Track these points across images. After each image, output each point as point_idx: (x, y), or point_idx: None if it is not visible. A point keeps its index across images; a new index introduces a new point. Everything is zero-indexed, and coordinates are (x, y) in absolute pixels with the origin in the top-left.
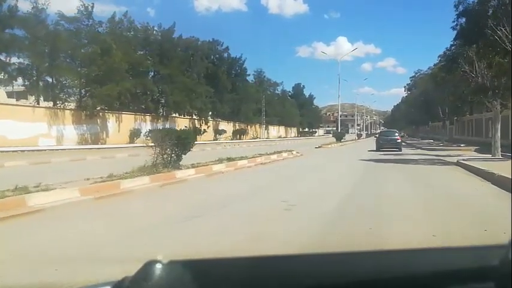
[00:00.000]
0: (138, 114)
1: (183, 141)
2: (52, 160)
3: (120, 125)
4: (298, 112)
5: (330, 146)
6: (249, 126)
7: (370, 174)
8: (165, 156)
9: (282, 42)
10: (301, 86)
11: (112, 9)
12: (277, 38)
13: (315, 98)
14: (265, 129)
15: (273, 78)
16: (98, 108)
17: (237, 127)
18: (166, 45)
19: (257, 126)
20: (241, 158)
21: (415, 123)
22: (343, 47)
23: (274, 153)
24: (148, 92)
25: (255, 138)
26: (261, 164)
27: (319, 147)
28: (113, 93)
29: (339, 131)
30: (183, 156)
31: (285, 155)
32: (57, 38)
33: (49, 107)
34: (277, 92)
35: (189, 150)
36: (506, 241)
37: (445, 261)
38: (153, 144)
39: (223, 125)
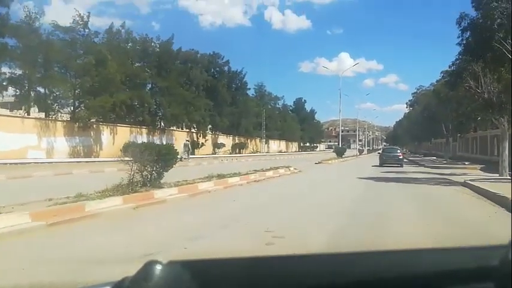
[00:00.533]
0: (134, 127)
1: (165, 157)
2: (35, 174)
3: (114, 138)
4: (299, 126)
5: (330, 161)
6: (249, 140)
7: (369, 199)
8: (144, 173)
9: (285, 57)
10: (303, 100)
11: (117, 23)
12: (280, 53)
13: (316, 112)
14: (266, 144)
15: (275, 93)
16: (92, 120)
17: (237, 141)
18: (165, 57)
19: (257, 140)
20: (234, 175)
21: (418, 139)
22: (346, 63)
23: (270, 169)
24: (146, 105)
25: (254, 153)
26: (255, 181)
27: (319, 162)
28: (107, 104)
29: (340, 146)
30: (168, 173)
31: (281, 171)
32: (50, 47)
33: (39, 118)
34: (278, 106)
35: (171, 167)
36: (506, 241)
37: (445, 261)
38: (130, 159)
39: (223, 139)
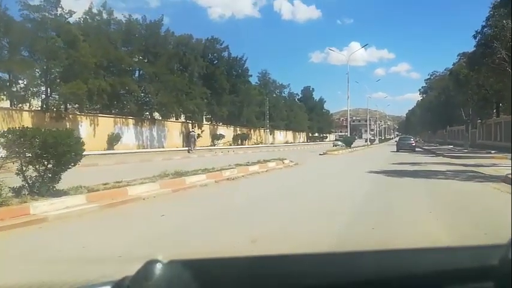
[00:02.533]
0: (119, 117)
1: (56, 151)
2: None
3: (96, 129)
4: (307, 116)
5: (336, 152)
6: (252, 131)
7: (376, 210)
8: (34, 174)
9: (295, 48)
10: (311, 89)
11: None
12: (290, 44)
13: (325, 101)
14: (271, 134)
15: (283, 82)
16: (66, 108)
17: (238, 132)
18: (152, 40)
19: (261, 130)
20: (201, 172)
21: (432, 127)
22: (357, 53)
23: (257, 163)
24: (134, 93)
25: (257, 144)
26: (228, 179)
27: (324, 153)
28: (80, 91)
29: (349, 135)
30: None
31: (271, 165)
32: (15, 28)
33: (1, 108)
34: (284, 95)
35: (69, 165)
36: (506, 241)
37: (445, 261)
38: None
39: (222, 130)
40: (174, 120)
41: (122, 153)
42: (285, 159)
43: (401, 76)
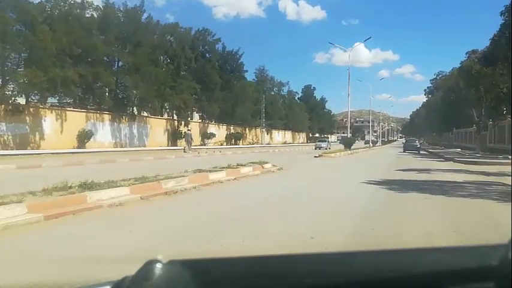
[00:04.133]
0: (92, 112)
1: None
2: None
3: (63, 125)
4: (308, 116)
5: (333, 154)
6: (247, 130)
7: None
8: None
9: (299, 48)
10: (312, 87)
11: None
12: (295, 44)
13: (327, 101)
14: (268, 134)
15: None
16: (27, 100)
17: (232, 131)
18: (131, 28)
19: (258, 130)
20: (136, 181)
21: (437, 129)
22: (361, 54)
23: (228, 168)
24: (109, 85)
25: (252, 144)
26: (167, 193)
27: (319, 156)
28: (36, 79)
29: (349, 136)
30: None
31: (246, 170)
32: None
33: None
34: (283, 93)
35: None
36: (506, 241)
37: (445, 261)
38: None
39: (214, 128)
40: (159, 116)
41: (93, 152)
42: (267, 163)
43: (405, 78)
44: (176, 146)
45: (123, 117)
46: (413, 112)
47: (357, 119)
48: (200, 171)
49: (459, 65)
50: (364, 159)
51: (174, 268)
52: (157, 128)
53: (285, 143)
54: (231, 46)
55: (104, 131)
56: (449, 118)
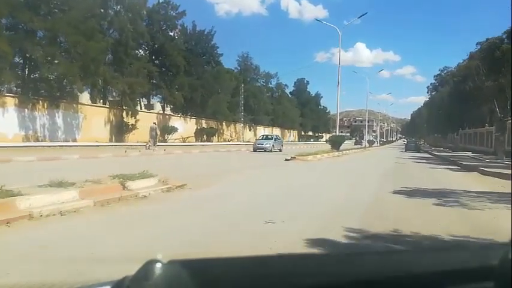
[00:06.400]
0: None
1: None
2: None
3: None
4: (299, 112)
5: (311, 158)
6: (224, 125)
7: None
8: None
9: (300, 47)
10: (305, 81)
11: None
12: (296, 42)
13: (322, 97)
14: (250, 130)
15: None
16: None
17: (204, 125)
18: None
19: (239, 125)
20: None
21: (441, 130)
22: (362, 53)
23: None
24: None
25: (229, 141)
26: None
27: (291, 159)
28: None
29: (338, 134)
30: None
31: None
32: None
33: None
34: (271, 85)
35: None
36: (506, 240)
37: (445, 261)
38: None
39: (179, 122)
40: (99, 104)
41: None
42: (154, 176)
43: (406, 79)
44: (123, 141)
45: (40, 102)
46: (414, 112)
47: (356, 119)
48: None
49: (463, 63)
50: (350, 166)
51: (174, 268)
52: (94, 118)
53: None
54: (233, 45)
55: (5, 119)
56: (456, 116)
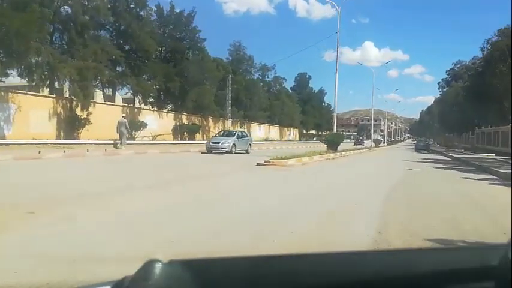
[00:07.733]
0: None
1: None
2: None
3: None
4: (300, 108)
5: (291, 162)
6: (210, 121)
7: None
8: None
9: (308, 45)
10: (307, 75)
11: None
12: (304, 41)
13: (326, 93)
14: (243, 127)
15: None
16: None
17: (185, 121)
18: None
19: (229, 121)
20: None
21: (455, 129)
22: (370, 52)
23: None
24: None
25: None
26: None
27: (264, 163)
28: None
29: (335, 132)
30: None
31: None
32: None
33: None
34: (268, 79)
35: None
36: (506, 240)
37: (445, 261)
38: None
39: (152, 116)
40: (45, 94)
41: None
42: None
43: (414, 78)
44: (73, 138)
45: None
46: (423, 110)
47: (364, 118)
48: None
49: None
50: (340, 176)
51: (174, 268)
52: (32, 110)
53: (267, 139)
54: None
55: None
56: (473, 113)
